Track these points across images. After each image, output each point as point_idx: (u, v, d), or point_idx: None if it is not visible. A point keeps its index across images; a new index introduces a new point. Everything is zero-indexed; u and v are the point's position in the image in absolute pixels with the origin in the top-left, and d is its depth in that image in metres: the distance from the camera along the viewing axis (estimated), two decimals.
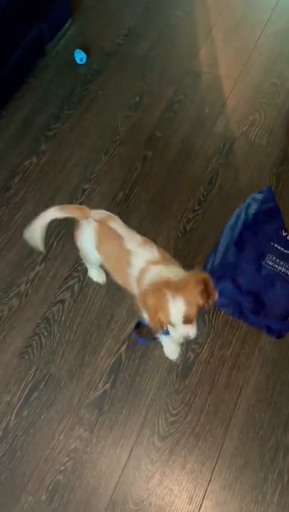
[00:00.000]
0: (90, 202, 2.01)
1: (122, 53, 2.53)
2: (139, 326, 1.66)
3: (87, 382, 1.62)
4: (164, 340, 1.59)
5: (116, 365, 1.65)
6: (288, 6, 2.70)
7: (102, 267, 1.67)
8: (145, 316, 1.30)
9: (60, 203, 1.93)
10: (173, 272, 1.28)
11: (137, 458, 1.50)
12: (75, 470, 1.49)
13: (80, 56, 2.45)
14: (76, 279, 1.82)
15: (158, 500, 1.45)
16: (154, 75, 2.44)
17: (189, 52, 2.52)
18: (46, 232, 1.91)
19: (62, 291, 1.80)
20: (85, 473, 1.49)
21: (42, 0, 2.31)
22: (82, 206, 1.51)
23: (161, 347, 1.63)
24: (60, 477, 1.48)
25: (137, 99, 2.34)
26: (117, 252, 1.39)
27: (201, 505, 1.45)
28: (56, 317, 1.75)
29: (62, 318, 1.74)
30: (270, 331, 1.67)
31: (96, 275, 1.79)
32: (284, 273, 1.73)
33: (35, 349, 1.69)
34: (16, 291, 1.81)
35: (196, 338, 1.36)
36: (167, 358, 1.64)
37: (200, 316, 1.53)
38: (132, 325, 1.70)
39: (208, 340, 1.67)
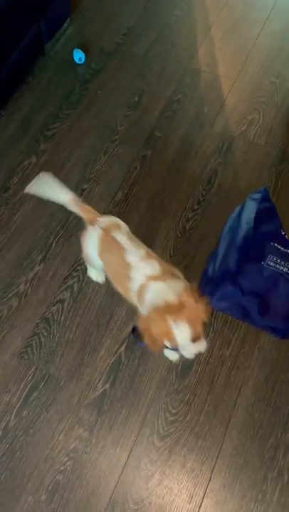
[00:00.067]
0: (90, 201, 1.98)
1: (121, 53, 2.52)
2: (135, 330, 1.66)
3: (87, 382, 1.62)
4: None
5: (115, 365, 1.65)
6: (287, 5, 2.70)
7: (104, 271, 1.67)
8: (146, 340, 1.26)
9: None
10: (172, 287, 1.25)
11: (136, 457, 1.51)
12: (75, 470, 1.49)
13: (78, 56, 2.44)
14: (75, 279, 1.82)
15: (158, 499, 1.45)
16: (153, 74, 2.43)
17: (188, 51, 2.52)
18: (46, 232, 1.94)
19: (61, 291, 1.80)
20: (85, 473, 1.49)
21: None
22: (94, 211, 1.49)
23: None
24: (59, 477, 1.48)
25: (136, 98, 2.34)
26: (118, 264, 1.36)
27: (201, 504, 1.45)
28: (56, 317, 1.75)
29: (62, 318, 1.74)
30: (275, 331, 1.66)
31: (96, 274, 1.79)
32: (286, 273, 1.71)
33: (34, 349, 1.69)
34: (15, 291, 1.81)
35: None
36: (167, 358, 1.64)
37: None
38: (132, 325, 1.70)
39: (208, 340, 1.67)
